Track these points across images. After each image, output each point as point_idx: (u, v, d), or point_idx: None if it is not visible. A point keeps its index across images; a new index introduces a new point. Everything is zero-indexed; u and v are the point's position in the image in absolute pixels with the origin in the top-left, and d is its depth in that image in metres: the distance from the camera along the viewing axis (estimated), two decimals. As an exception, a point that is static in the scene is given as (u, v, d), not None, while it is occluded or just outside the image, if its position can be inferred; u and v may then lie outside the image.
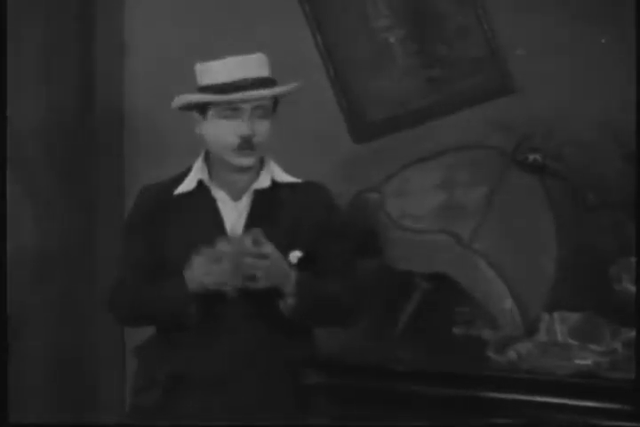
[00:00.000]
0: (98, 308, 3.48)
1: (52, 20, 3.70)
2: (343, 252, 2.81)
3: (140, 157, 3.92)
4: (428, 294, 3.48)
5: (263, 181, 2.78)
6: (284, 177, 2.83)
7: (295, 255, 2.71)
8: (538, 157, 3.43)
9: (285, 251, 2.69)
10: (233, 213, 2.76)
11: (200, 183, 2.78)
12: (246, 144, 2.69)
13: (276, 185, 2.80)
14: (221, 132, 2.71)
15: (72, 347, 3.80)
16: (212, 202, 2.76)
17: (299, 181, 2.84)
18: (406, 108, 3.69)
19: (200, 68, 2.76)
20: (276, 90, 2.73)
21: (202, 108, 2.75)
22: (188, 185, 2.79)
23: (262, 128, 2.72)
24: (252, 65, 2.73)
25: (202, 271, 2.61)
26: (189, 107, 2.78)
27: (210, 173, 2.80)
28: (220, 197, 2.76)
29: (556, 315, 3.23)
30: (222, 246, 2.57)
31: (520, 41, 3.59)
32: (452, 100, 3.65)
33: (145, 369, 2.84)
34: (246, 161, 2.72)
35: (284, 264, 2.63)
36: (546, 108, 3.48)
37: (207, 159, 2.82)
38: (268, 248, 2.59)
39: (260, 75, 2.72)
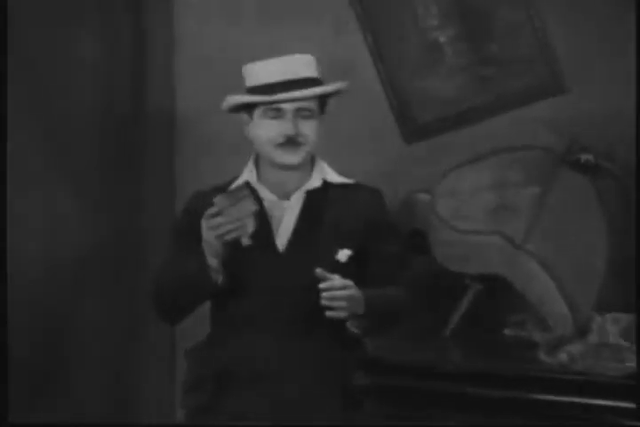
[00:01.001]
0: (148, 311, 3.50)
1: (105, 20, 3.71)
2: (396, 253, 2.81)
3: (190, 157, 3.94)
4: (480, 295, 3.47)
5: (314, 181, 2.78)
6: (336, 177, 2.83)
7: (345, 253, 2.71)
8: (590, 157, 3.41)
9: (335, 249, 2.71)
10: (280, 213, 2.76)
11: (247, 185, 2.78)
12: (290, 142, 2.69)
13: (327, 185, 2.80)
14: (266, 131, 2.71)
15: (123, 351, 3.82)
16: (259, 203, 2.75)
17: (350, 181, 2.84)
18: (456, 108, 3.68)
19: (247, 69, 2.76)
20: (316, 90, 2.71)
21: (249, 109, 2.76)
22: (241, 181, 2.80)
23: (307, 128, 2.70)
24: (297, 65, 2.71)
25: (204, 229, 2.60)
26: (237, 108, 2.79)
27: (258, 174, 2.80)
28: (267, 197, 2.76)
29: (607, 316, 3.21)
30: (219, 201, 2.57)
31: (571, 40, 3.57)
32: (502, 100, 3.64)
33: (193, 369, 2.86)
34: (291, 159, 2.71)
35: (359, 292, 2.63)
36: (597, 108, 3.46)
37: (257, 162, 2.83)
38: (348, 281, 2.59)
39: (304, 75, 2.71)
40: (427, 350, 3.37)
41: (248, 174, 2.80)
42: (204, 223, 2.58)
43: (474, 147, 3.54)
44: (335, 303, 2.54)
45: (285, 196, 2.77)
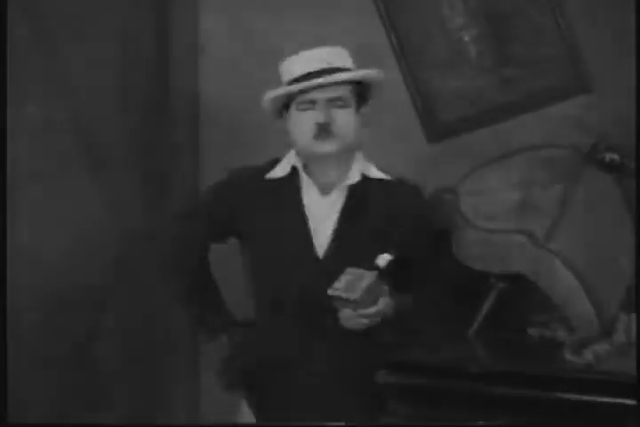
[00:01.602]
0: (172, 308, 3.51)
1: (129, 20, 3.73)
2: (438, 255, 2.79)
3: (215, 156, 3.94)
4: (504, 294, 3.46)
5: (353, 176, 2.74)
6: (376, 173, 2.79)
7: (384, 258, 2.62)
8: (615, 156, 3.39)
9: (376, 250, 2.64)
10: (320, 211, 2.72)
11: (293, 170, 2.76)
12: (323, 131, 2.65)
13: (366, 180, 2.76)
14: (300, 122, 2.68)
15: (146, 343, 3.83)
16: (299, 192, 2.72)
17: (390, 178, 2.80)
18: (480, 107, 3.67)
19: (282, 65, 2.77)
20: (342, 75, 2.68)
21: (286, 106, 2.74)
22: (282, 170, 2.77)
23: (340, 117, 2.67)
24: (329, 56, 2.71)
25: None
26: (276, 106, 2.76)
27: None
28: (309, 189, 2.72)
29: (634, 315, 3.19)
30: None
31: (597, 39, 3.56)
32: (526, 99, 3.63)
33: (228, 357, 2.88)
34: (326, 147, 2.67)
35: (390, 309, 2.63)
36: (622, 107, 3.45)
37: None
38: (382, 303, 2.60)
39: (336, 65, 2.71)
40: (451, 349, 3.35)
41: (294, 160, 2.76)
42: None
43: (498, 146, 3.54)
44: (354, 324, 2.59)
45: (325, 191, 2.73)
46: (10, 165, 3.00)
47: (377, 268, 2.59)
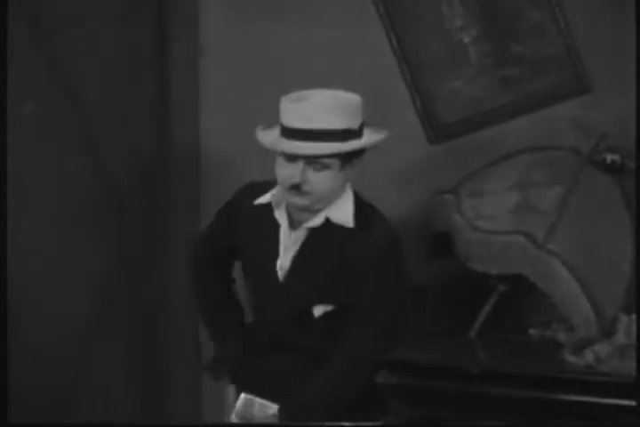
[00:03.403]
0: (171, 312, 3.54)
1: (128, 28, 3.73)
2: (382, 302, 2.63)
3: (214, 178, 3.89)
4: (504, 295, 3.46)
5: (316, 219, 2.64)
6: (340, 218, 2.64)
7: (319, 310, 2.62)
8: (616, 157, 3.40)
9: (321, 297, 2.62)
10: (287, 240, 2.67)
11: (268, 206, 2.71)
12: (296, 189, 2.56)
13: (330, 225, 2.63)
14: (280, 171, 2.59)
15: (147, 342, 3.85)
16: (275, 225, 2.69)
17: (352, 226, 2.63)
18: (481, 108, 3.67)
19: (282, 103, 2.58)
20: (330, 146, 2.51)
21: None
22: (265, 198, 2.72)
23: (317, 179, 2.54)
24: (329, 111, 2.52)
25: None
26: None
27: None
28: (282, 219, 2.67)
29: (634, 316, 3.20)
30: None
31: (597, 39, 3.56)
32: (527, 100, 3.63)
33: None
34: (297, 201, 2.58)
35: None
36: (623, 108, 3.45)
37: None
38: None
39: (330, 126, 2.52)
40: (452, 350, 3.36)
41: (271, 195, 2.69)
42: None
43: (498, 147, 3.54)
44: None
45: (294, 226, 2.67)
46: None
47: (311, 316, 2.64)
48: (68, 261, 3.51)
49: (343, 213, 2.64)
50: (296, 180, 2.53)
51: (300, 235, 2.66)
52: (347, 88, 3.66)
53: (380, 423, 2.79)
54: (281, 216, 2.68)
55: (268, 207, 2.71)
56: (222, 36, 3.78)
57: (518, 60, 3.64)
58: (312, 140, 2.51)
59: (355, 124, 2.55)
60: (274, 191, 2.69)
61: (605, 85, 3.55)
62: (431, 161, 3.67)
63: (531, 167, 3.43)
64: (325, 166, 2.53)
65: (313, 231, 2.65)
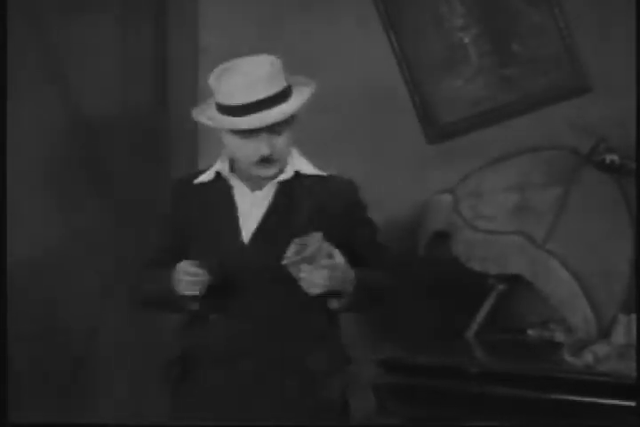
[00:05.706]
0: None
1: (128, 26, 3.73)
2: (374, 241, 2.79)
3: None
4: (503, 295, 3.47)
5: (286, 173, 2.74)
6: (310, 169, 2.79)
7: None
8: (615, 157, 3.39)
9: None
10: (249, 203, 2.74)
11: (218, 175, 2.77)
12: (266, 161, 2.66)
13: (299, 176, 2.76)
14: (240, 148, 2.67)
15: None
16: (229, 191, 2.75)
17: (323, 173, 2.79)
18: (480, 108, 3.67)
19: (212, 81, 2.67)
20: (286, 109, 2.63)
21: None
22: (207, 176, 2.79)
23: (280, 143, 2.67)
24: (262, 79, 2.61)
25: (175, 280, 2.64)
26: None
27: (232, 166, 2.78)
28: (238, 186, 2.75)
29: (633, 316, 3.19)
30: None
31: (596, 39, 3.55)
32: (526, 100, 3.63)
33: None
34: (268, 172, 2.70)
35: (348, 270, 2.63)
36: (622, 108, 3.44)
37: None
38: (338, 258, 2.60)
39: (272, 91, 2.63)
40: (450, 350, 3.36)
41: (220, 165, 2.77)
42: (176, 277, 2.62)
43: (498, 147, 3.54)
44: (316, 278, 2.55)
45: (257, 186, 2.75)
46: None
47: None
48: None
49: (307, 165, 2.78)
50: (266, 151, 2.64)
51: (268, 192, 2.74)
52: (346, 88, 3.70)
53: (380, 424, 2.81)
54: (239, 184, 2.75)
55: (207, 185, 2.78)
56: (222, 36, 3.78)
57: (518, 59, 3.64)
58: (264, 110, 2.61)
59: (285, 82, 2.68)
60: (217, 166, 2.78)
61: (605, 85, 3.55)
62: (430, 161, 3.68)
63: (530, 167, 3.43)
64: (283, 129, 2.65)
65: (283, 185, 2.74)
